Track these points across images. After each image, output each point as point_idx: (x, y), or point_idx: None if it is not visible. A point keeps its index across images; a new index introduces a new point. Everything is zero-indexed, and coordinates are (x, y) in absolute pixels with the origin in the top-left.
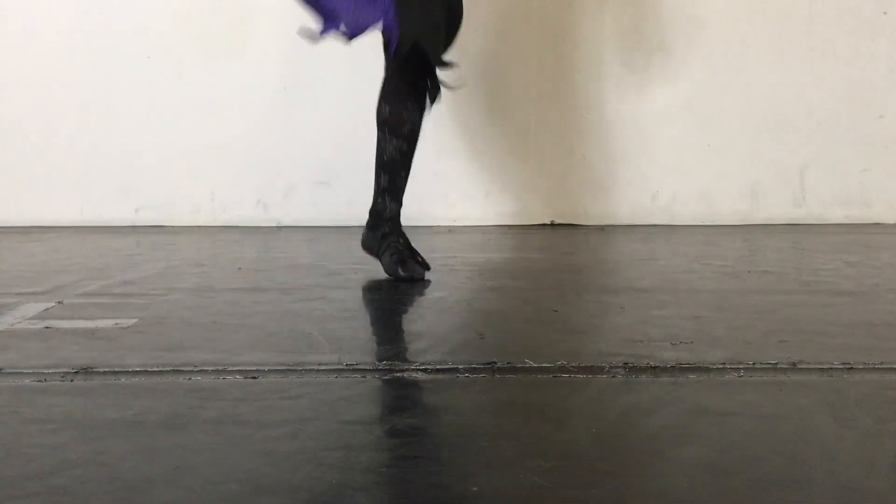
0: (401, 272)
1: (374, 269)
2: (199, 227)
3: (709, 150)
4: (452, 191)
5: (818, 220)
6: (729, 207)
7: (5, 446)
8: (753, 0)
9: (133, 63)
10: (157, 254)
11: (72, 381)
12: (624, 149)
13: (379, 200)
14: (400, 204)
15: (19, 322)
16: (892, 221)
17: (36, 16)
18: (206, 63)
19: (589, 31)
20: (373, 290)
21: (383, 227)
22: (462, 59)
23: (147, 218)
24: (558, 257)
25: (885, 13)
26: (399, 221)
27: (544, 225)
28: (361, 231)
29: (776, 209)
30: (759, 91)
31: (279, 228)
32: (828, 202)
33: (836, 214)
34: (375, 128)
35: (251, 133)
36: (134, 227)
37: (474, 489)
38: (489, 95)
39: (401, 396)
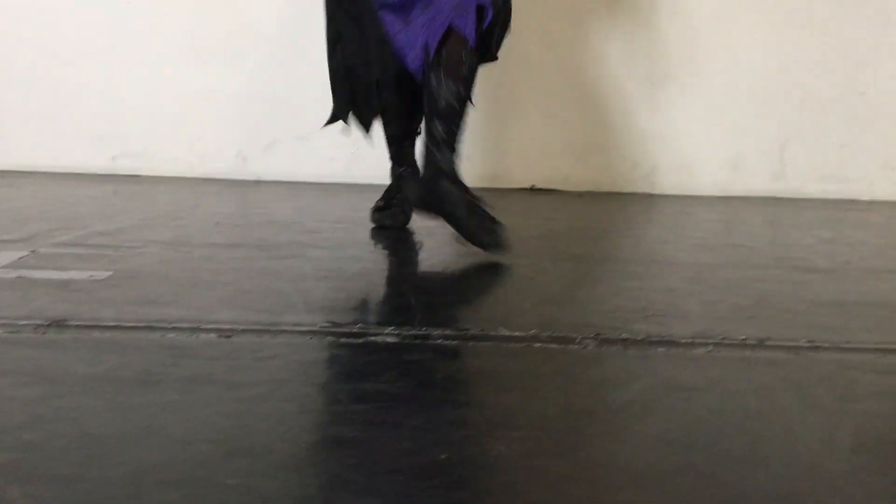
0: (486, 241)
1: (353, 229)
2: (178, 177)
3: (691, 120)
4: None
5: (796, 194)
6: (709, 179)
7: None
8: None
9: (115, 8)
10: (134, 204)
11: (44, 333)
12: (607, 117)
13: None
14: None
15: None
16: (868, 198)
17: None
18: (191, 12)
19: None
20: (350, 250)
21: (442, 184)
22: None
23: (124, 166)
24: (537, 223)
25: None
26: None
27: (524, 189)
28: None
29: (755, 182)
30: (744, 63)
31: (258, 182)
32: (807, 177)
33: (815, 189)
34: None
35: (232, 85)
36: (111, 176)
37: (443, 457)
38: None
39: (373, 361)
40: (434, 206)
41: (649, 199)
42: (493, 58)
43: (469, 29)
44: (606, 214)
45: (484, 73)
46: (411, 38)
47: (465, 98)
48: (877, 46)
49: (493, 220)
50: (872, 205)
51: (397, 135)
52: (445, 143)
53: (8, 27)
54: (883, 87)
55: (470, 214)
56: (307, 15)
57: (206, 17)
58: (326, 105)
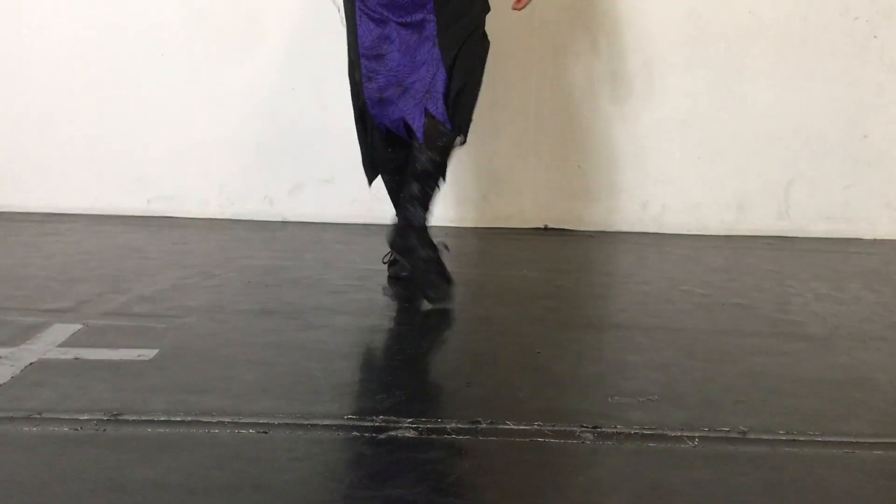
0: (431, 295)
1: (373, 289)
2: (208, 219)
3: (699, 162)
4: (452, 193)
5: (801, 233)
6: (716, 218)
7: None
8: (751, 21)
9: (148, 59)
10: (170, 257)
11: (104, 430)
12: (618, 159)
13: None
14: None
15: (50, 350)
16: (870, 237)
17: (55, 11)
18: (218, 61)
19: (589, 45)
20: (372, 318)
21: (410, 238)
22: None
23: (158, 208)
24: (548, 277)
25: (876, 37)
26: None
27: (538, 229)
28: (386, 230)
29: (761, 221)
30: (752, 107)
31: (285, 224)
32: (811, 216)
33: (818, 228)
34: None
35: (259, 130)
36: (145, 218)
37: None
38: (490, 105)
39: (394, 461)
40: (401, 253)
41: (658, 240)
42: (463, 141)
43: (439, 111)
44: (615, 262)
45: (500, 119)
46: (387, 110)
47: (439, 164)
48: (880, 91)
49: (444, 277)
50: (875, 244)
51: (393, 187)
52: (419, 201)
53: (49, 76)
54: (885, 130)
55: (425, 270)
56: (330, 69)
57: (233, 67)
58: (346, 151)
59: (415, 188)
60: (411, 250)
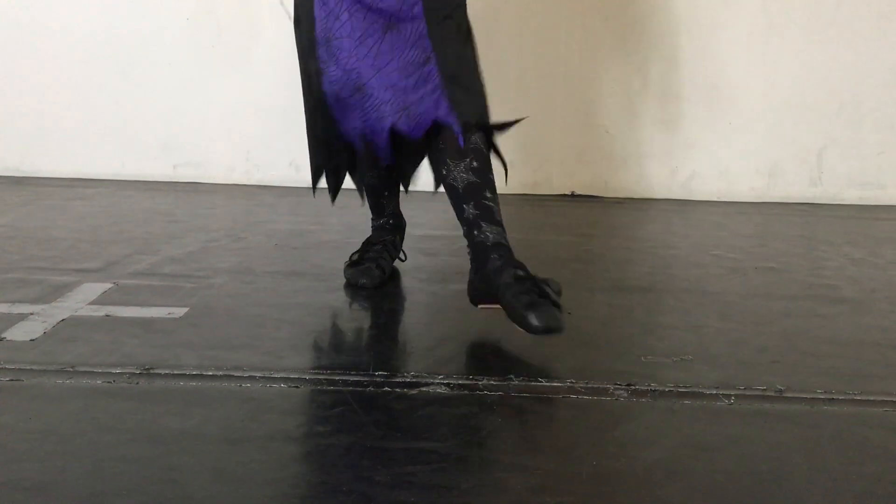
0: (534, 323)
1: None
2: (234, 185)
3: (730, 128)
4: None
5: (833, 200)
6: (746, 185)
7: (91, 458)
8: None
9: (174, 25)
10: (197, 221)
11: (137, 383)
12: (647, 124)
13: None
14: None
15: (82, 307)
16: None
17: None
18: (245, 27)
19: (617, 9)
20: (398, 279)
21: (490, 262)
22: (492, 32)
23: (184, 174)
24: (576, 241)
25: None
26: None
27: (565, 195)
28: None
29: (792, 188)
30: (783, 71)
31: (309, 190)
32: (843, 183)
33: (851, 195)
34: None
35: (286, 97)
36: (172, 184)
37: None
38: (516, 69)
39: (426, 416)
40: (490, 290)
41: (687, 207)
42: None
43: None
44: (643, 228)
45: (526, 84)
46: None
47: (480, 169)
48: None
49: (546, 297)
50: None
51: (373, 185)
52: (481, 217)
53: (76, 43)
54: None
55: (518, 292)
56: None
57: (262, 39)
58: None
59: (468, 211)
60: (497, 273)
